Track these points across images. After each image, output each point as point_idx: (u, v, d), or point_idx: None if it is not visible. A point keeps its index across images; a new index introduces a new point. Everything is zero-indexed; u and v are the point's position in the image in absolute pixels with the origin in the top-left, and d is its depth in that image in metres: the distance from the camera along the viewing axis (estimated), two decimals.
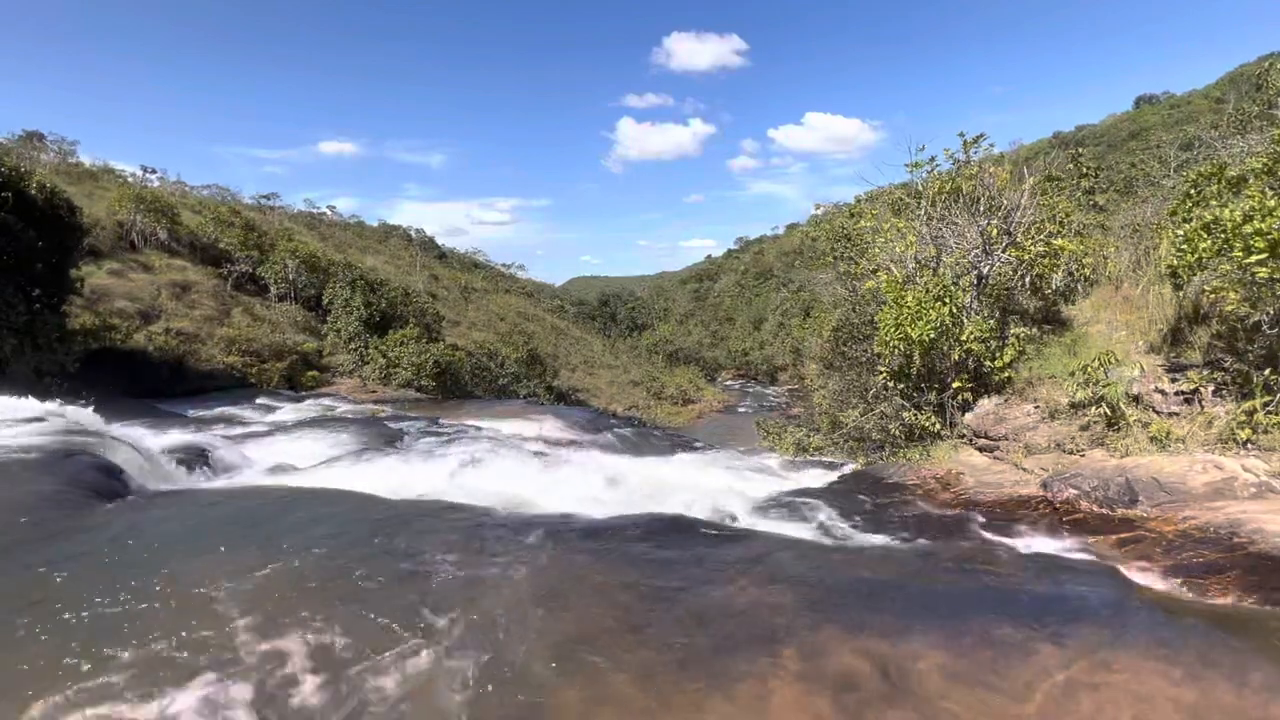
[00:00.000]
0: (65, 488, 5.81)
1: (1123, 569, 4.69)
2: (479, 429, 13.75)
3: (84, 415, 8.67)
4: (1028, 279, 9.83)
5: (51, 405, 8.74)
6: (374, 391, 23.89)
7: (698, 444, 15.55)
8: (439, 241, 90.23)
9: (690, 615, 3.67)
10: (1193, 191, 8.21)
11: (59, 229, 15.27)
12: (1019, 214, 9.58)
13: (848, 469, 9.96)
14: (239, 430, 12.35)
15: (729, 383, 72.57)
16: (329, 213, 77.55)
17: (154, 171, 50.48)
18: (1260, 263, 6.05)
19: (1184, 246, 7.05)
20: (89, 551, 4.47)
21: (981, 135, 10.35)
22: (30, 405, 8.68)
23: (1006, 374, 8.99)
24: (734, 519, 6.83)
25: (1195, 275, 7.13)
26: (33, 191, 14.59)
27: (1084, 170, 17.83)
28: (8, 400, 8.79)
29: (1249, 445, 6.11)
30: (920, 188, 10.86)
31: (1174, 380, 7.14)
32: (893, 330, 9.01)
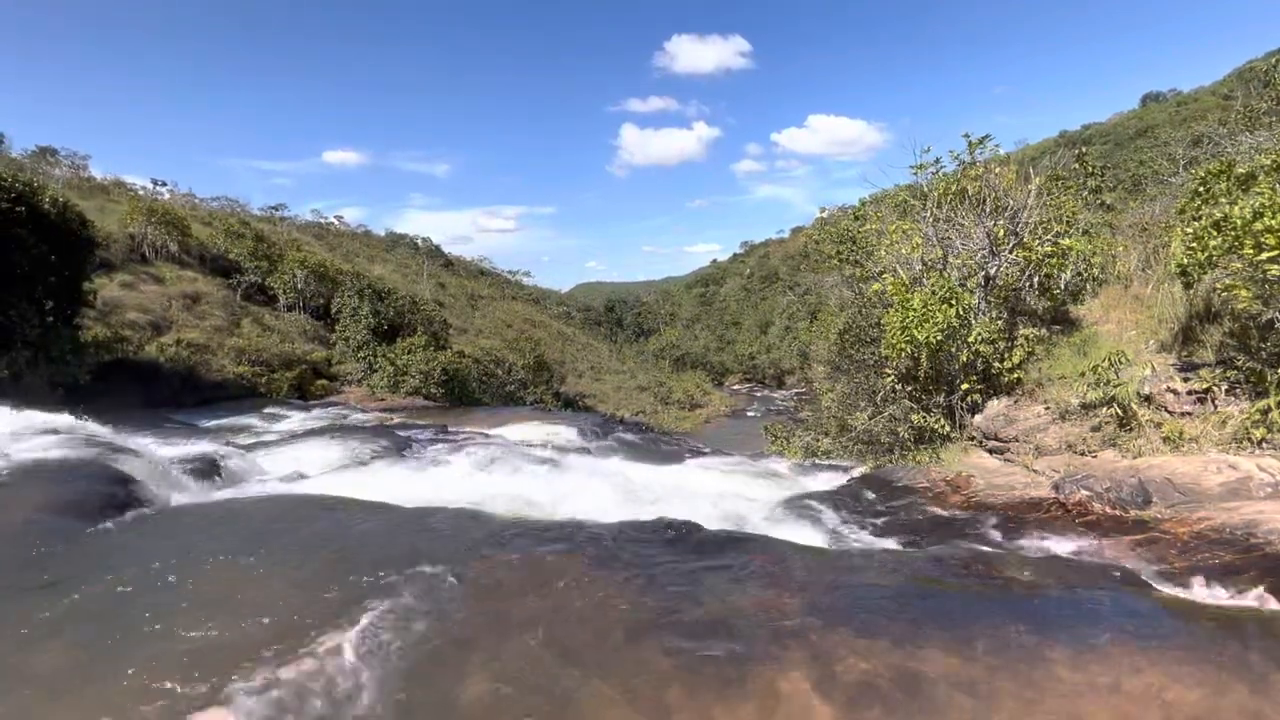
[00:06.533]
0: (79, 499, 5.86)
1: (1137, 571, 4.64)
2: (487, 436, 13.78)
3: (97, 427, 8.77)
4: (1035, 279, 9.78)
5: (64, 417, 8.84)
6: (382, 399, 24.00)
7: (705, 449, 15.52)
8: (445, 249, 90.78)
9: (699, 621, 3.66)
10: (1202, 189, 8.16)
11: (71, 243, 15.47)
12: (1025, 214, 9.54)
13: (856, 472, 9.90)
14: (250, 440, 12.44)
15: (736, 387, 72.44)
16: (336, 223, 78.16)
17: (164, 184, 51.11)
18: (1272, 260, 5.99)
19: (1194, 244, 6.99)
20: (104, 562, 4.50)
21: (987, 136, 10.34)
22: (43, 417, 8.78)
23: (1015, 375, 8.93)
24: (742, 524, 6.81)
25: (1206, 273, 7.06)
26: (46, 206, 14.79)
27: (1090, 169, 17.71)
28: (22, 413, 8.89)
29: (1264, 445, 6.04)
30: (925, 189, 10.84)
31: (1186, 380, 7.07)
32: (899, 333, 8.98)
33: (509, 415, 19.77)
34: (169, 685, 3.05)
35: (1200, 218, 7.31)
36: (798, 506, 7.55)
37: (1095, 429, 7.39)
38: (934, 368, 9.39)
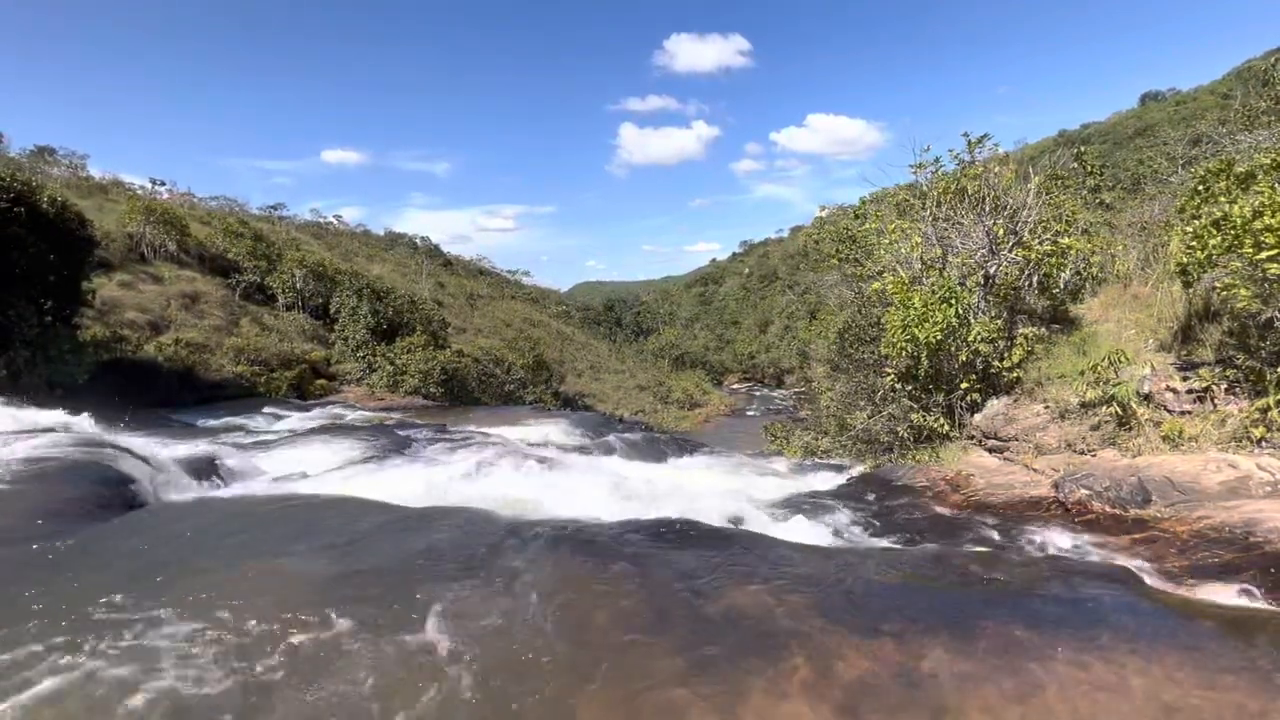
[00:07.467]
0: (78, 498, 5.86)
1: (1137, 570, 4.64)
2: (486, 435, 13.76)
3: (95, 426, 8.76)
4: (1035, 278, 9.78)
5: (63, 416, 8.84)
6: (381, 399, 23.97)
7: (705, 448, 15.51)
8: (444, 249, 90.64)
9: (699, 620, 3.65)
10: (1201, 188, 8.17)
11: (70, 242, 15.43)
12: (1025, 213, 9.54)
13: (856, 471, 9.90)
14: (249, 439, 12.41)
15: (735, 386, 72.48)
16: (335, 222, 78.01)
17: (163, 184, 50.83)
18: (1271, 259, 5.99)
19: (1193, 243, 7.00)
20: (102, 561, 4.49)
21: (985, 135, 10.33)
22: (42, 416, 8.78)
23: (1015, 374, 8.93)
24: (742, 523, 6.81)
25: (1205, 272, 7.07)
26: (44, 206, 14.74)
27: (1089, 169, 17.74)
28: (20, 412, 8.88)
29: (1263, 444, 6.04)
30: (925, 188, 10.84)
31: (1185, 379, 7.07)
32: (899, 332, 8.98)
33: (508, 414, 19.76)
34: (172, 692, 3.04)
35: (1200, 217, 7.32)
36: (797, 505, 7.55)
37: (1095, 428, 7.39)
38: (933, 367, 9.38)
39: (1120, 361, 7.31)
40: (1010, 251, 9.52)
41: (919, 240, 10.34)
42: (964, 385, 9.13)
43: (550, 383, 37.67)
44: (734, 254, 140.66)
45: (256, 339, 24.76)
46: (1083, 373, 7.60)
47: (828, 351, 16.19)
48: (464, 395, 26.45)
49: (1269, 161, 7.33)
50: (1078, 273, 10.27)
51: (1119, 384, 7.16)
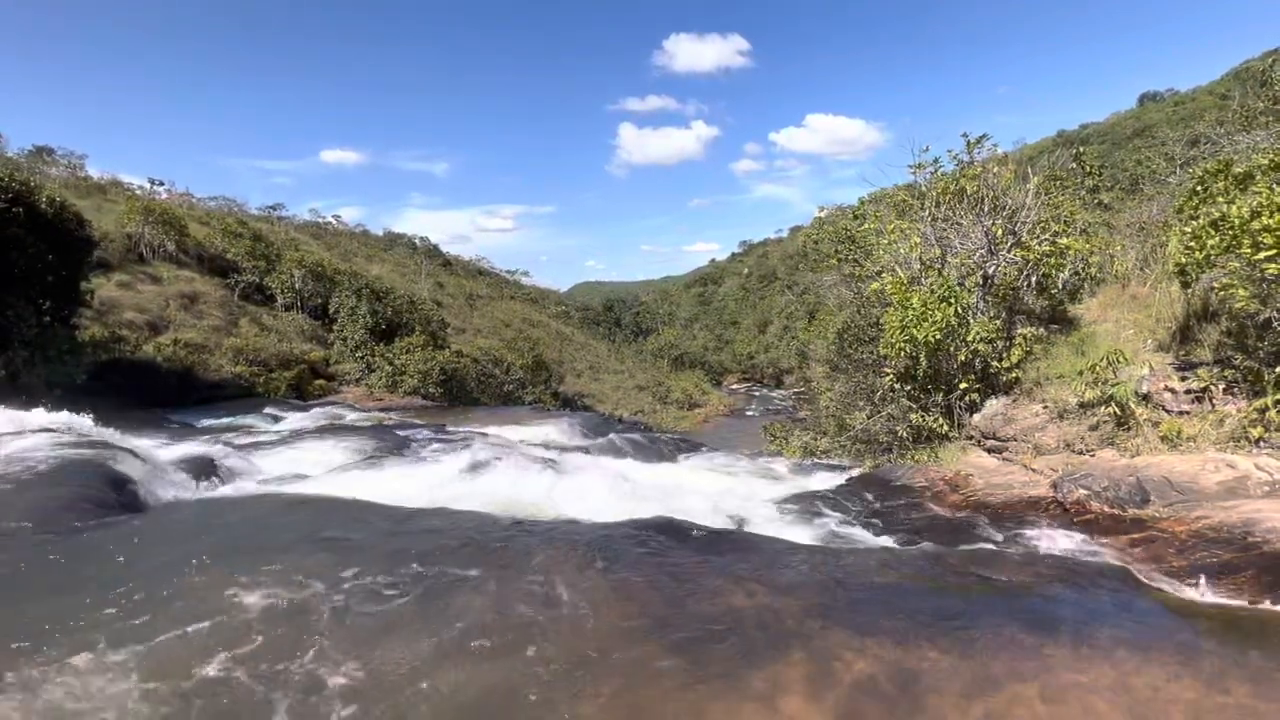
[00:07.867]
0: (76, 498, 5.85)
1: (1135, 570, 4.65)
2: (485, 435, 13.76)
3: (93, 426, 8.75)
4: (1034, 279, 9.79)
5: (61, 416, 8.82)
6: (381, 399, 23.96)
7: (704, 448, 15.51)
8: (444, 249, 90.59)
9: (698, 620, 3.66)
10: (1199, 188, 8.17)
11: (69, 242, 15.40)
12: (1023, 213, 9.55)
13: (855, 472, 9.91)
14: (247, 439, 12.40)
15: (734, 386, 72.54)
16: (334, 222, 78.03)
17: (162, 184, 50.75)
18: (1269, 259, 5.99)
19: (1191, 244, 7.00)
20: (100, 560, 4.49)
21: (984, 135, 10.35)
22: (40, 417, 8.76)
23: (1014, 374, 8.94)
24: (741, 523, 6.81)
25: (1203, 273, 7.07)
26: (43, 206, 14.71)
27: (1088, 169, 17.76)
28: (18, 412, 8.87)
29: (1261, 444, 6.04)
30: (924, 189, 10.85)
31: (1184, 379, 7.08)
32: (898, 332, 8.98)
33: (507, 415, 19.76)
34: (176, 699, 3.04)
35: (1198, 217, 7.32)
36: (796, 506, 7.56)
37: (1093, 428, 7.40)
38: (932, 367, 9.39)
39: (1119, 362, 7.32)
40: (1009, 252, 9.53)
41: (918, 240, 10.36)
42: (963, 385, 9.14)
43: (549, 383, 37.65)
44: (733, 254, 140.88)
45: (255, 339, 24.73)
46: (1081, 373, 7.61)
47: (827, 352, 16.21)
48: (463, 395, 26.45)
49: (1267, 162, 7.34)
50: (1076, 273, 10.28)
51: (1117, 384, 7.17)
